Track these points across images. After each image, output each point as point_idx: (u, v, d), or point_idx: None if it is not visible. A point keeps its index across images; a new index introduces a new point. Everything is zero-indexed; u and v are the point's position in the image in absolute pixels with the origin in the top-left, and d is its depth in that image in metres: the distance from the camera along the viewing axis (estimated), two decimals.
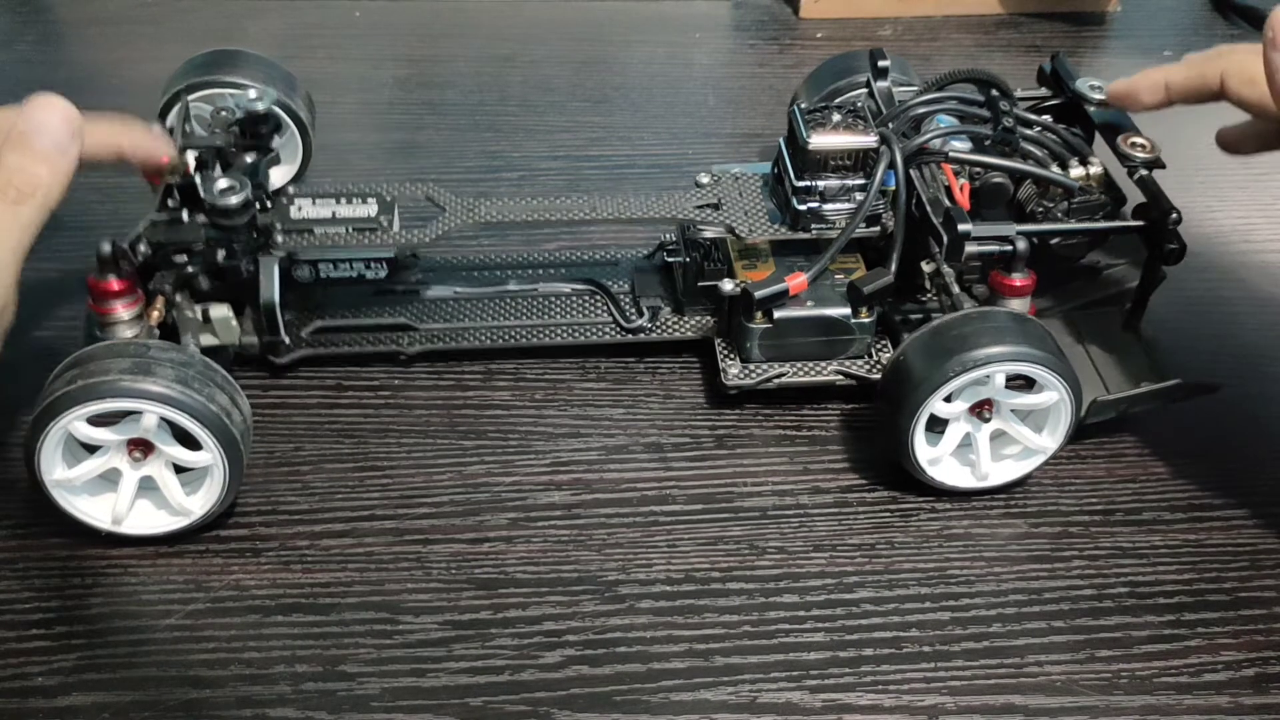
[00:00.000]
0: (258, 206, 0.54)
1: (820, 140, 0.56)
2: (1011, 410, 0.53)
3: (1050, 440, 0.53)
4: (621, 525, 0.53)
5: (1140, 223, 0.55)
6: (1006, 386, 0.52)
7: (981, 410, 0.53)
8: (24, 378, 0.57)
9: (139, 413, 0.47)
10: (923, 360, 0.51)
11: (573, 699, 0.46)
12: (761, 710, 0.46)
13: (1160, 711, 0.47)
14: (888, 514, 0.54)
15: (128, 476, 0.49)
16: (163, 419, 0.47)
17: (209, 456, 0.48)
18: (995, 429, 0.53)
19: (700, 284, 0.59)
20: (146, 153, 0.52)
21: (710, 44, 0.90)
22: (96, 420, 0.47)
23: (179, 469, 0.50)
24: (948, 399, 0.52)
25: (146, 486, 0.50)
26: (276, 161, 0.58)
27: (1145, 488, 0.56)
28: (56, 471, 0.48)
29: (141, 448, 0.49)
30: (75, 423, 0.47)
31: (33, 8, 0.89)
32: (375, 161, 0.75)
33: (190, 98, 0.61)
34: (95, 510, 0.50)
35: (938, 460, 0.54)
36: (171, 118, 0.61)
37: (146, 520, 0.50)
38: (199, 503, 0.50)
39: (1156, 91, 0.55)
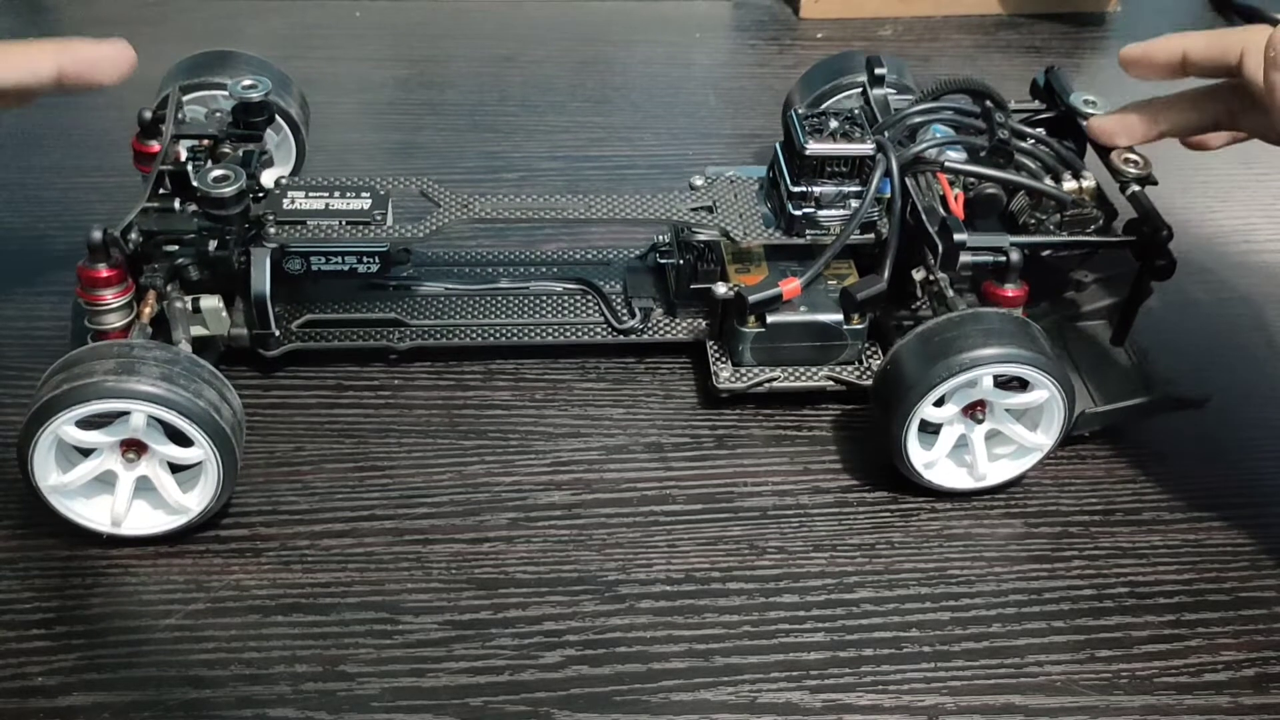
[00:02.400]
0: (251, 197, 0.54)
1: (817, 146, 0.56)
2: (1005, 410, 0.53)
3: (1045, 438, 0.53)
4: (621, 525, 0.53)
5: (1131, 238, 0.55)
6: (1000, 386, 0.52)
7: (974, 411, 0.53)
8: (23, 378, 0.58)
9: (127, 413, 0.47)
10: (912, 365, 0.51)
11: (573, 699, 0.46)
12: (761, 710, 0.46)
13: (1160, 711, 0.47)
14: (888, 514, 0.54)
15: (123, 478, 0.49)
16: (152, 418, 0.47)
17: (201, 452, 0.48)
18: (989, 429, 0.53)
19: (693, 286, 0.59)
20: (89, 68, 0.49)
21: (710, 44, 0.90)
22: (87, 423, 0.47)
23: (175, 468, 0.50)
24: (939, 402, 0.52)
25: (143, 487, 0.50)
26: (270, 163, 0.58)
27: (1145, 488, 0.56)
28: (51, 477, 0.48)
29: (134, 448, 0.49)
30: (64, 427, 0.47)
31: (33, 8, 0.89)
32: (374, 162, 0.75)
33: (184, 99, 0.61)
34: (93, 513, 0.50)
35: (933, 464, 0.54)
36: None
37: (145, 520, 0.50)
38: (196, 500, 0.50)
39: (1173, 59, 0.53)
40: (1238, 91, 0.52)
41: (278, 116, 0.62)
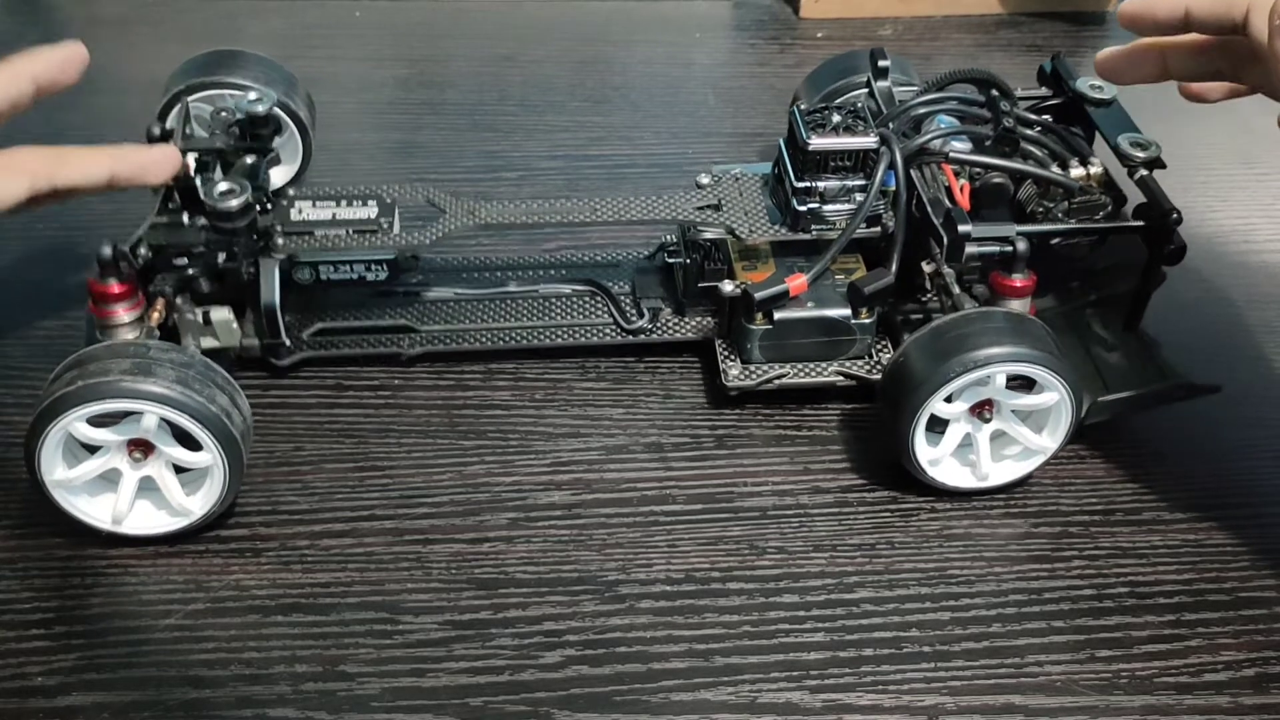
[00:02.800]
0: (258, 209, 0.54)
1: (820, 141, 0.56)
2: (1012, 410, 0.53)
3: (1050, 440, 0.53)
4: (621, 525, 0.53)
5: (1140, 223, 0.55)
6: (1007, 387, 0.52)
7: (982, 410, 0.53)
8: (24, 378, 0.58)
9: (139, 413, 0.47)
10: (923, 361, 0.51)
11: (573, 699, 0.46)
12: (761, 710, 0.46)
13: (1160, 711, 0.47)
14: (888, 514, 0.54)
15: (128, 477, 0.49)
16: (163, 419, 0.47)
17: (209, 457, 0.48)
18: (995, 429, 0.53)
19: (700, 285, 0.59)
20: (140, 171, 0.51)
21: (710, 44, 0.90)
22: (96, 420, 0.47)
23: (179, 469, 0.50)
24: (948, 399, 0.52)
25: (147, 487, 0.50)
26: (277, 162, 0.58)
27: (1145, 488, 0.56)
28: (57, 472, 0.48)
29: (141, 448, 0.49)
30: (75, 423, 0.47)
31: (32, 8, 0.89)
32: (375, 162, 0.75)
33: (190, 98, 0.61)
34: (95, 510, 0.50)
35: (938, 461, 0.54)
36: (171, 118, 0.61)
37: (146, 520, 0.50)
38: (199, 503, 0.50)
39: (1175, 14, 0.51)
40: (1241, 47, 0.52)
41: (285, 117, 0.62)
